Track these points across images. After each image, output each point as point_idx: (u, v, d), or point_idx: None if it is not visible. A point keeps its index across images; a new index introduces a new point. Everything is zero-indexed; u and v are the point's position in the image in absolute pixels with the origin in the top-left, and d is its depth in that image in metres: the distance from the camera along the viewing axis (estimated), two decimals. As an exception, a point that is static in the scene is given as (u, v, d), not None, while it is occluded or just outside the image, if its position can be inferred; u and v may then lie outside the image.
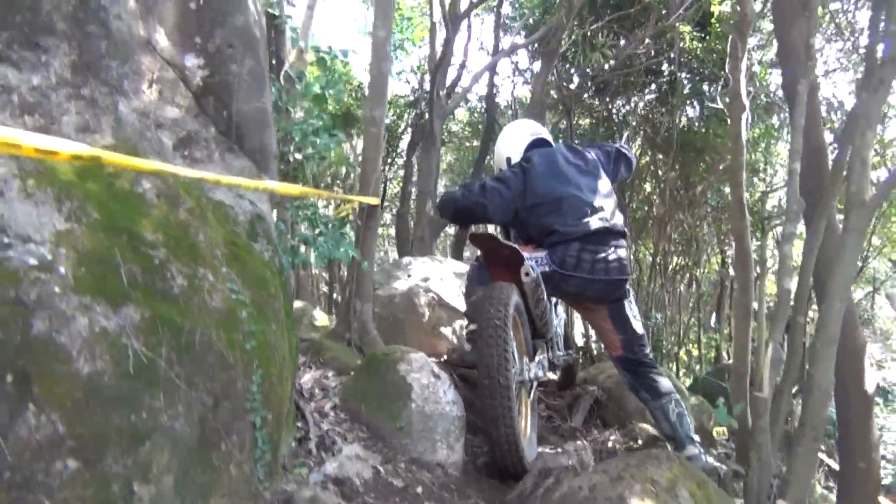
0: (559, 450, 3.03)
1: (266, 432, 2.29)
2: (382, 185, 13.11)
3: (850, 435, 3.17)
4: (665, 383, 3.68)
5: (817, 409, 2.59)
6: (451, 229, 15.54)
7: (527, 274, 3.44)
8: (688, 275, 11.77)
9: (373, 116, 3.68)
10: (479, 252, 3.96)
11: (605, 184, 3.88)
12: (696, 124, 9.76)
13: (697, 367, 11.46)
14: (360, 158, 3.72)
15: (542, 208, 3.69)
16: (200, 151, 2.93)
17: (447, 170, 16.50)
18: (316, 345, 3.68)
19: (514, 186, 3.73)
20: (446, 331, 5.97)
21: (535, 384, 3.83)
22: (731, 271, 11.25)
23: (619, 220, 3.74)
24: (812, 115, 3.23)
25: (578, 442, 3.41)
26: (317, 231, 3.36)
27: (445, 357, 4.73)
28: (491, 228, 8.99)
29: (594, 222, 3.61)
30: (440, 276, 6.30)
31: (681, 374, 10.95)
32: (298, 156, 3.61)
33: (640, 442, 3.76)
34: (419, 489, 2.72)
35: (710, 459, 3.60)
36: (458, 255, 10.43)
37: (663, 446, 3.70)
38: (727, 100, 6.74)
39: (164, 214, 2.31)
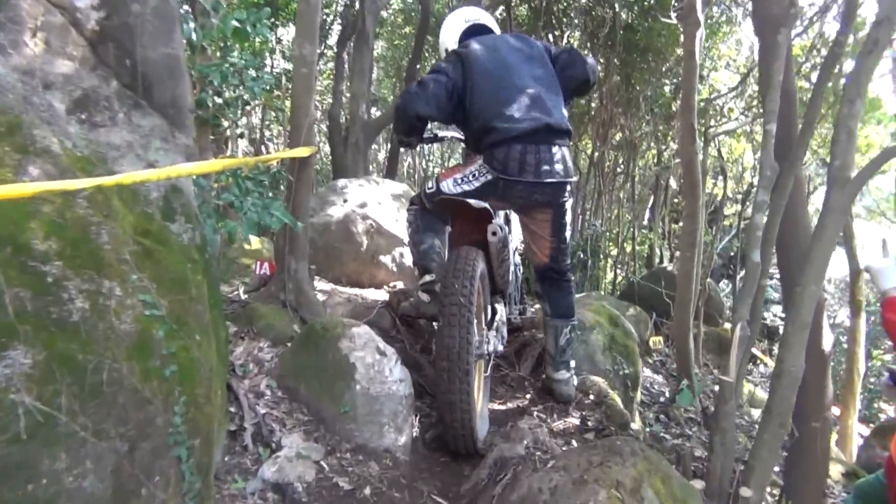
0: (512, 429, 2.87)
1: (193, 462, 2.03)
2: (316, 130, 12.38)
3: (805, 394, 3.09)
4: (569, 304, 3.57)
5: (786, 394, 2.47)
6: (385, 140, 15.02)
7: (493, 233, 3.27)
8: (625, 175, 11.69)
9: (302, 55, 3.22)
10: (422, 191, 3.68)
11: (551, 75, 3.48)
12: (638, 20, 9.33)
13: (632, 264, 11.56)
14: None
15: (481, 101, 3.33)
16: (101, 114, 2.50)
17: (377, 59, 15.63)
18: (248, 311, 3.36)
19: (451, 75, 3.35)
20: (386, 259, 5.73)
21: (492, 357, 3.65)
22: (668, 172, 11.23)
23: (565, 116, 3.39)
24: (785, 59, 2.96)
25: (534, 419, 3.26)
26: (244, 192, 2.97)
27: (389, 299, 4.48)
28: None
29: (538, 119, 3.25)
30: (378, 201, 5.98)
31: (617, 279, 11.06)
32: (219, 100, 3.16)
33: (591, 396, 3.65)
34: (367, 490, 2.53)
35: (575, 381, 3.66)
36: (391, 172, 10.01)
37: (614, 403, 3.60)
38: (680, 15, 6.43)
39: (57, 211, 1.93)
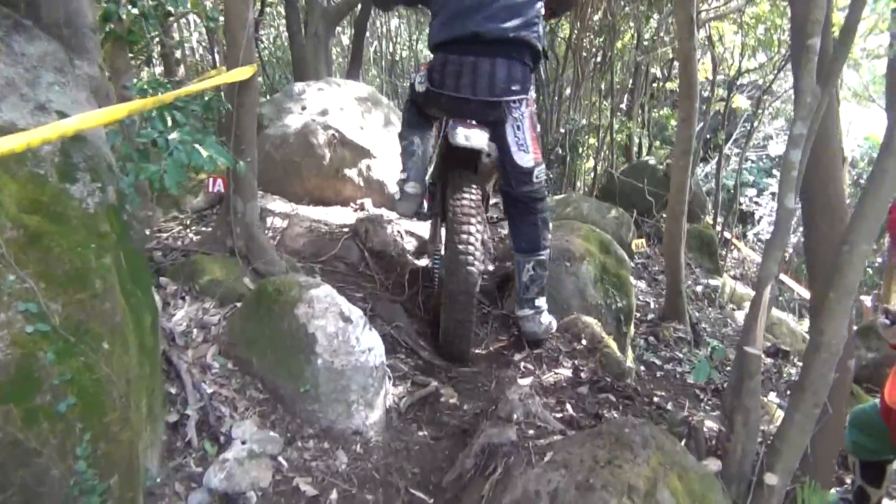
0: (500, 403, 2.49)
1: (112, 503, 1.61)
2: (256, 44, 11.20)
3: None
4: (533, 237, 3.26)
5: (823, 371, 2.10)
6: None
7: (487, 155, 3.17)
8: (603, 60, 10.98)
9: (233, -52, 2.60)
10: (418, 87, 3.35)
11: None
12: None
13: (610, 156, 11.09)
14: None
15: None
16: (-38, 42, 1.93)
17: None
18: (189, 264, 2.87)
19: None
20: (351, 173, 5.21)
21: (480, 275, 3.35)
22: (648, 56, 10.57)
23: (520, 27, 3.03)
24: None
25: (525, 385, 2.88)
26: (169, 126, 2.42)
27: (355, 227, 4.00)
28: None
29: (474, 24, 2.99)
30: (340, 106, 5.38)
31: (598, 171, 10.59)
32: (134, 10, 2.55)
33: (583, 342, 3.28)
34: (334, 494, 2.15)
35: (544, 319, 3.31)
36: (356, 63, 9.23)
37: (609, 351, 3.24)
38: None
39: None
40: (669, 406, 3.39)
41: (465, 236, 2.92)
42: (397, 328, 3.15)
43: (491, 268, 3.46)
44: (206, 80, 2.61)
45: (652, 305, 5.93)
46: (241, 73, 2.66)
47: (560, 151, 9.31)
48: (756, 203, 17.35)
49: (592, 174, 11.08)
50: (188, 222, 3.98)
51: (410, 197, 3.34)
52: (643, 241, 7.74)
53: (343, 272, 3.67)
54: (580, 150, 10.20)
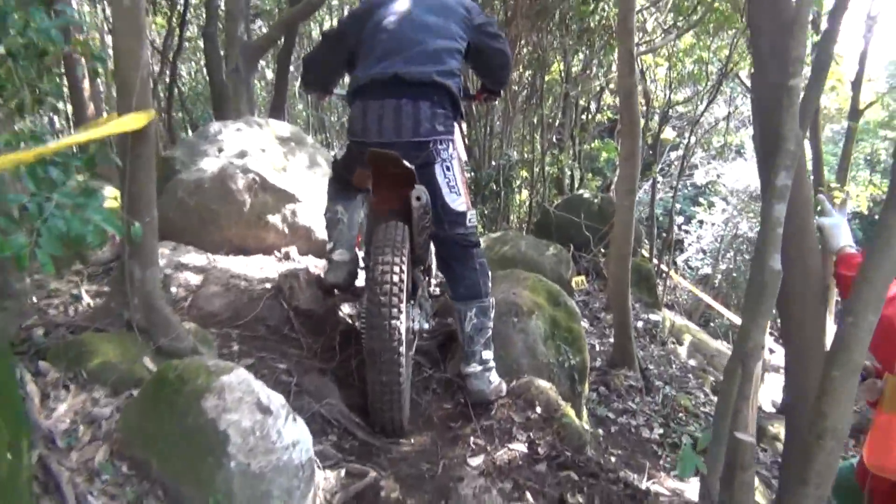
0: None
1: None
2: (154, 85, 10.65)
3: (804, 403, 2.48)
4: (472, 282, 3.08)
5: (829, 460, 1.81)
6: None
7: (418, 198, 2.86)
8: (533, 93, 10.88)
9: (122, -24, 2.20)
10: (339, 156, 3.46)
11: (448, 26, 3.07)
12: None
13: (544, 189, 10.93)
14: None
15: (364, 47, 3.11)
16: None
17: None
18: (75, 345, 2.40)
19: (347, 23, 3.24)
20: (275, 219, 4.80)
21: (416, 335, 3.17)
22: (576, 88, 10.52)
23: (442, 73, 2.95)
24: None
25: (476, 466, 2.51)
26: (44, 186, 1.99)
27: (279, 284, 3.59)
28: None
29: (394, 66, 2.92)
30: (261, 148, 4.98)
31: (532, 204, 10.41)
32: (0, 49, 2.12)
33: (538, 410, 2.95)
34: None
35: (493, 377, 3.09)
36: (278, 111, 8.85)
37: (568, 421, 2.91)
38: None
39: None
40: (632, 478, 3.08)
41: (385, 286, 2.61)
42: (328, 405, 2.74)
43: (428, 327, 3.12)
44: (92, 130, 2.18)
45: (598, 348, 5.67)
46: (134, 120, 2.25)
47: (494, 187, 9.07)
48: (685, 231, 17.59)
49: (527, 208, 10.92)
50: (85, 283, 3.49)
51: (339, 265, 3.14)
52: (583, 278, 7.52)
53: (264, 336, 3.25)
54: (513, 184, 10.02)
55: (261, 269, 4.38)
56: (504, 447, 2.74)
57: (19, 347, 2.43)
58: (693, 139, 9.61)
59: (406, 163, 2.84)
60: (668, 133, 11.15)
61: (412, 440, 2.81)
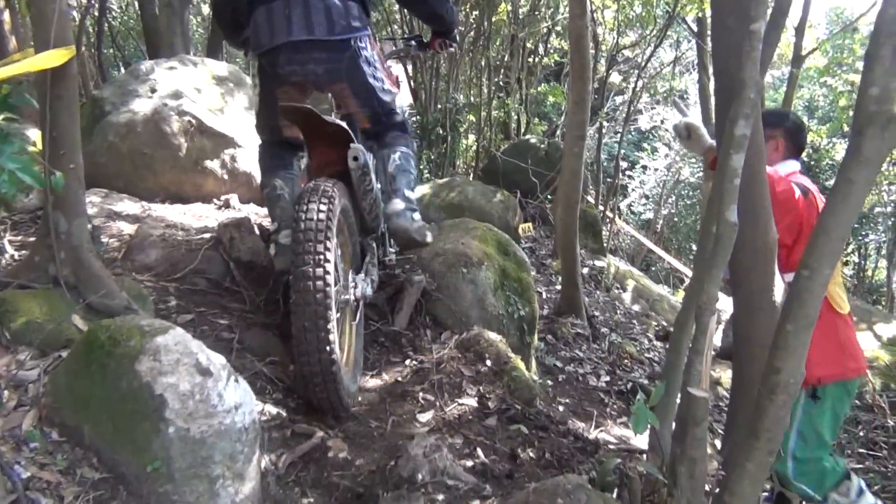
0: (400, 460, 2.05)
1: None
2: (82, 19, 9.92)
3: (750, 354, 2.49)
4: (400, 137, 3.08)
5: (780, 414, 1.80)
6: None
7: (355, 158, 2.68)
8: (480, 35, 10.65)
9: None
10: (256, 106, 3.13)
11: None
12: None
13: (490, 134, 10.80)
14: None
15: None
16: None
17: None
18: (-5, 304, 2.24)
19: None
20: (213, 164, 4.61)
21: (361, 303, 2.94)
22: (524, 30, 10.33)
23: None
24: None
25: (425, 423, 2.45)
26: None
27: (219, 234, 3.42)
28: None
29: None
30: (196, 87, 4.74)
31: (480, 151, 10.29)
32: None
33: (488, 363, 2.90)
34: None
35: (417, 217, 2.99)
36: (215, 49, 8.44)
37: (518, 374, 2.88)
38: None
39: None
40: (581, 428, 3.09)
41: (310, 255, 2.38)
42: (271, 364, 2.64)
43: (370, 290, 2.97)
44: (4, 68, 1.98)
45: (544, 295, 5.68)
46: (53, 57, 2.05)
47: (440, 131, 8.90)
48: (629, 176, 17.75)
49: (473, 153, 10.79)
50: (9, 232, 3.28)
51: (286, 248, 2.81)
52: (530, 224, 7.51)
53: (204, 290, 3.11)
54: (459, 128, 9.86)
55: (199, 217, 4.19)
56: (454, 402, 2.70)
57: (-67, 307, 2.25)
58: (640, 84, 9.53)
59: (334, 119, 2.71)
60: (615, 77, 11.11)
61: (360, 397, 2.74)
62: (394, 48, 3.80)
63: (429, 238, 2.98)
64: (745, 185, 2.26)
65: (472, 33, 10.30)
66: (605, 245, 8.54)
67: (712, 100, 9.72)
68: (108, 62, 12.91)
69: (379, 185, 3.09)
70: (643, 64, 9.26)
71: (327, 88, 3.00)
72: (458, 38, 3.55)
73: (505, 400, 2.73)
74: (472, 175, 10.43)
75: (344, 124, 2.78)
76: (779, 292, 2.44)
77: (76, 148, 2.29)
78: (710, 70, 10.70)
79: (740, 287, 2.49)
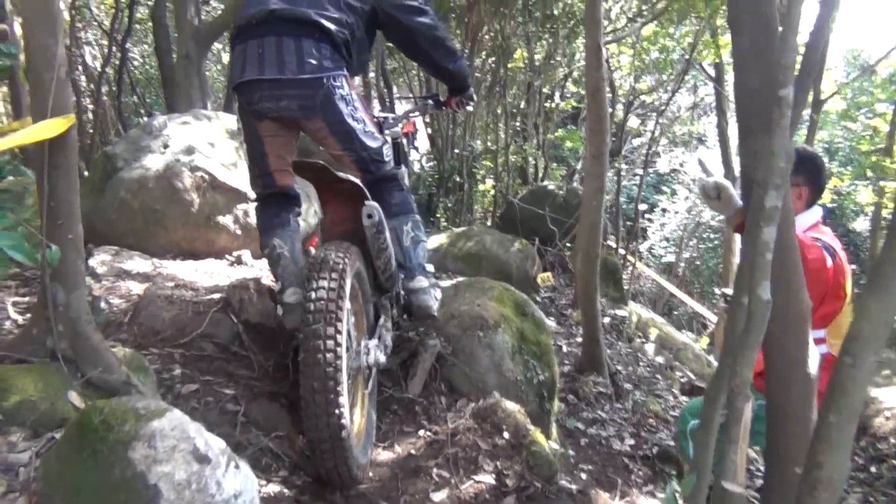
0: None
1: None
2: (103, 69, 10.07)
3: (785, 430, 2.34)
4: (402, 200, 3.05)
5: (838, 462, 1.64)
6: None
7: (369, 216, 2.63)
8: (496, 83, 10.66)
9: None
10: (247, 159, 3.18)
11: None
12: None
13: (508, 179, 10.72)
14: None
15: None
16: None
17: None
18: (-12, 381, 2.14)
19: None
20: (226, 220, 4.54)
21: (374, 371, 2.84)
22: (539, 76, 10.32)
23: (322, 15, 2.76)
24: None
25: (441, 496, 2.31)
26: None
27: (228, 296, 3.32)
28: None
29: (269, 4, 2.74)
30: (209, 142, 4.70)
31: (496, 196, 10.22)
32: None
33: (506, 436, 2.75)
34: None
35: (438, 294, 3.03)
36: (229, 104, 8.49)
37: (538, 449, 2.72)
38: None
39: None
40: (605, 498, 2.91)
41: (321, 313, 2.33)
42: (277, 439, 2.51)
43: (383, 357, 2.86)
44: (2, 139, 1.91)
45: (564, 349, 5.51)
46: (51, 127, 1.98)
47: (457, 178, 8.84)
48: (648, 219, 17.60)
49: (492, 199, 10.72)
50: (14, 293, 3.20)
51: (293, 307, 2.76)
52: (549, 274, 7.37)
53: (211, 356, 3.00)
54: (476, 175, 9.81)
55: (210, 275, 4.11)
56: (469, 479, 2.54)
57: (-75, 383, 2.15)
58: (658, 130, 9.45)
59: (347, 175, 2.69)
60: (632, 121, 11.05)
61: (370, 472, 2.59)
62: (410, 106, 3.74)
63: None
64: (776, 252, 2.13)
65: (488, 79, 10.32)
66: (625, 293, 8.38)
67: (732, 143, 9.64)
68: (129, 110, 13.09)
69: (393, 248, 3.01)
70: (661, 109, 9.17)
71: (305, 128, 2.96)
72: (474, 96, 3.45)
73: (524, 477, 2.58)
74: (489, 222, 10.35)
75: (357, 181, 2.74)
76: (813, 364, 2.30)
77: (75, 218, 2.20)
78: (729, 114, 10.58)
79: (772, 358, 2.35)
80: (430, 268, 3.10)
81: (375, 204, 2.66)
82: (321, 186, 3.09)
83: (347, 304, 2.44)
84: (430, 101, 3.65)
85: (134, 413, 1.90)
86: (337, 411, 2.27)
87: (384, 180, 3.01)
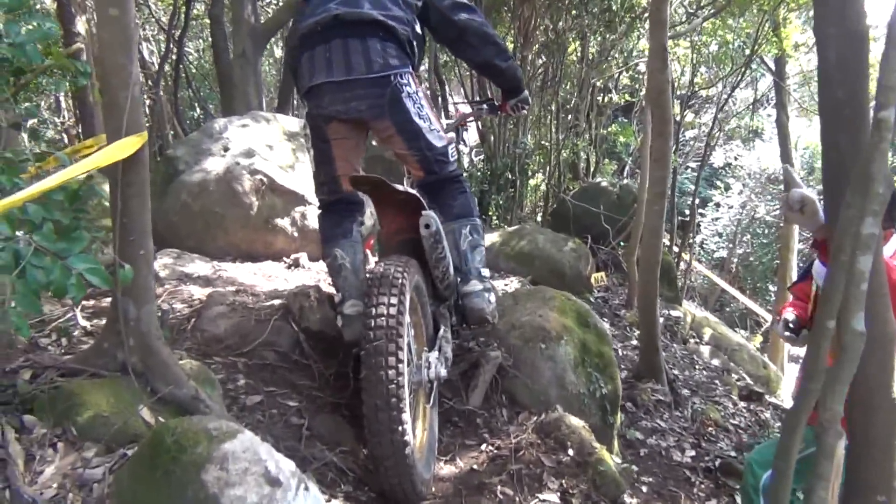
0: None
1: None
2: (161, 65, 10.20)
3: (868, 457, 2.25)
4: (464, 203, 3.07)
5: None
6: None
7: (427, 226, 2.64)
8: (550, 79, 10.52)
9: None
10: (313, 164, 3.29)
11: None
12: None
13: (560, 176, 10.58)
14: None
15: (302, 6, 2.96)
16: None
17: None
18: (62, 395, 2.17)
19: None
20: (284, 223, 4.57)
21: (436, 385, 2.80)
22: (594, 70, 10.15)
23: (386, 15, 2.79)
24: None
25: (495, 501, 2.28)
26: (19, 240, 1.74)
27: (288, 303, 3.33)
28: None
29: (333, 7, 2.77)
30: (268, 144, 4.73)
31: (548, 192, 10.12)
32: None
33: (570, 453, 2.71)
34: None
35: (493, 297, 3.03)
36: (285, 100, 8.54)
37: (605, 468, 2.66)
38: None
39: None
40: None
41: (383, 329, 2.33)
42: (342, 454, 2.50)
43: (444, 370, 2.84)
44: (79, 164, 1.92)
45: (620, 352, 5.42)
46: (125, 147, 1.99)
47: (510, 176, 8.76)
48: (701, 214, 17.25)
49: (542, 195, 10.62)
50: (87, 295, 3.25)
51: (353, 319, 2.79)
52: (603, 274, 7.26)
53: (273, 365, 3.01)
54: (528, 172, 9.71)
55: (269, 278, 4.15)
56: (534, 497, 2.51)
57: (2, 397, 2.20)
58: (716, 125, 9.22)
59: (405, 188, 2.70)
60: (688, 116, 10.83)
61: (433, 488, 2.57)
62: (466, 110, 3.71)
63: (496, 319, 3.00)
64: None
65: (541, 75, 10.20)
66: (679, 292, 8.22)
67: (791, 138, 9.33)
68: (183, 104, 13.28)
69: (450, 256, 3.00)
70: (720, 104, 8.93)
71: (372, 128, 2.99)
72: (529, 99, 3.41)
73: (590, 497, 2.53)
74: (541, 217, 10.25)
75: (415, 192, 2.76)
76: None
77: (146, 234, 2.23)
78: (790, 108, 10.27)
79: (855, 382, 2.26)
80: (487, 272, 3.09)
81: (433, 214, 2.67)
82: (378, 198, 3.10)
83: (408, 319, 2.44)
84: (485, 106, 3.62)
85: (206, 434, 1.90)
86: (400, 428, 2.27)
87: (448, 181, 3.04)
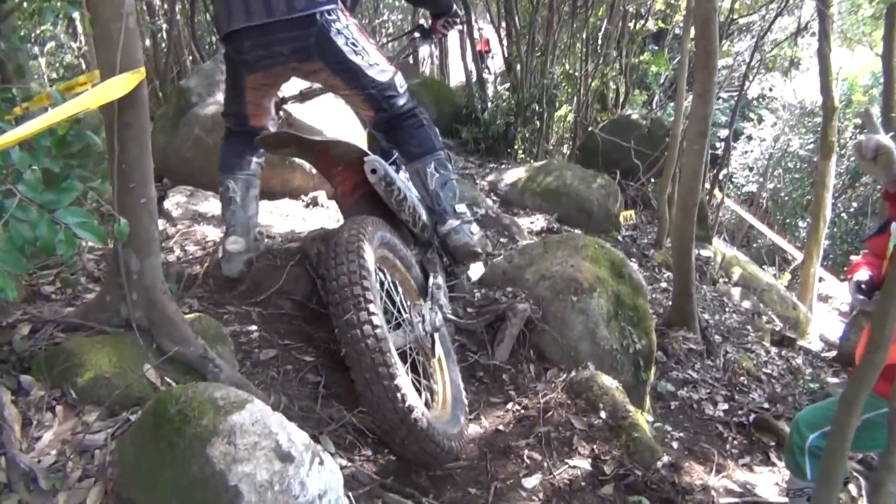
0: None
1: None
2: (163, 27, 9.67)
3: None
4: (423, 138, 2.88)
5: None
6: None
7: (373, 171, 2.60)
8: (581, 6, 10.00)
9: None
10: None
11: None
12: None
13: (587, 107, 10.18)
14: None
15: None
16: None
17: None
18: (63, 353, 2.01)
19: None
20: (300, 160, 4.32)
21: (444, 332, 2.70)
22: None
23: None
24: None
25: (534, 482, 2.12)
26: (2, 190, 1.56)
27: (303, 248, 3.15)
28: None
29: None
30: (285, 76, 4.44)
31: (575, 124, 9.76)
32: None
33: (602, 415, 2.54)
34: None
35: (474, 228, 2.92)
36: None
37: (639, 434, 2.50)
38: None
39: None
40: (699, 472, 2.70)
41: (349, 300, 2.20)
42: (361, 413, 2.36)
43: (440, 317, 2.70)
44: (68, 104, 1.71)
45: (649, 295, 5.23)
46: (120, 85, 1.78)
47: (537, 108, 8.42)
48: (733, 146, 16.71)
49: (571, 128, 10.26)
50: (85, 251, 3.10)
51: (234, 256, 2.75)
52: (632, 212, 7.02)
53: (289, 315, 2.86)
54: (555, 103, 9.33)
55: (286, 217, 3.97)
56: (564, 463, 2.36)
57: (-1, 355, 2.06)
58: (757, 55, 8.75)
59: (328, 138, 2.65)
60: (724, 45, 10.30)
61: (465, 442, 2.43)
62: (400, 46, 3.57)
63: (489, 246, 2.93)
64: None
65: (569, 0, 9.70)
66: (710, 231, 7.96)
67: (833, 69, 8.80)
68: (202, 28, 12.89)
69: (416, 194, 2.93)
70: (762, 34, 8.46)
71: (302, 71, 2.79)
72: (459, 11, 3.19)
73: (623, 463, 2.38)
74: (568, 152, 9.93)
75: (344, 139, 2.63)
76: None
77: (147, 181, 2.03)
78: (833, 38, 9.71)
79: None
80: (462, 207, 2.95)
81: (375, 157, 2.57)
82: (314, 159, 2.91)
83: (374, 283, 2.30)
84: (417, 35, 3.44)
85: (212, 405, 1.76)
86: (398, 395, 2.14)
87: (402, 117, 2.84)
